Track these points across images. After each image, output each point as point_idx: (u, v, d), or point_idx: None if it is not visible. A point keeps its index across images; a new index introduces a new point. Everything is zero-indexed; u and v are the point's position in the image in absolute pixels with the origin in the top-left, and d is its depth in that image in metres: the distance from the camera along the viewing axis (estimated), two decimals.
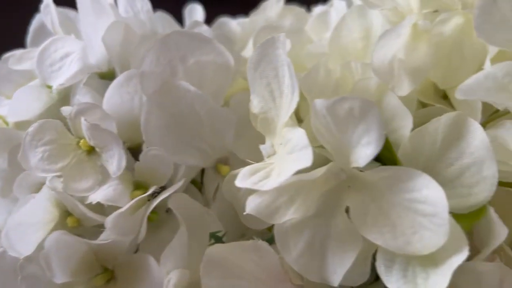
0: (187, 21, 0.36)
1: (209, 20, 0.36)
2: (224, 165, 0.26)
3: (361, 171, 0.21)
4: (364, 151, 0.19)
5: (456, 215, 0.20)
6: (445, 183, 0.21)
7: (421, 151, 0.21)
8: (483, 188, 0.20)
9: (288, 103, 0.21)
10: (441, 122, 0.21)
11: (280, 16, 0.33)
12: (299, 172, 0.20)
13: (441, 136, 0.21)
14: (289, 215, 0.21)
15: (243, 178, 0.20)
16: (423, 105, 0.26)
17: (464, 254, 0.18)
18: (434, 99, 0.25)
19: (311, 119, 0.21)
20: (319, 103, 0.19)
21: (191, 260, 0.22)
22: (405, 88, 0.23)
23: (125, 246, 0.23)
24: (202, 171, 0.26)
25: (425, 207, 0.19)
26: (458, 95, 0.20)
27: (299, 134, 0.20)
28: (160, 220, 0.25)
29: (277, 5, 0.34)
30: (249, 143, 0.25)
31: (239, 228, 0.25)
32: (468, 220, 0.20)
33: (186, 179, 0.24)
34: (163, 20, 0.33)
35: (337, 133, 0.20)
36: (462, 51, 0.25)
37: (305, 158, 0.19)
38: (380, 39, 0.22)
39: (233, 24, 0.35)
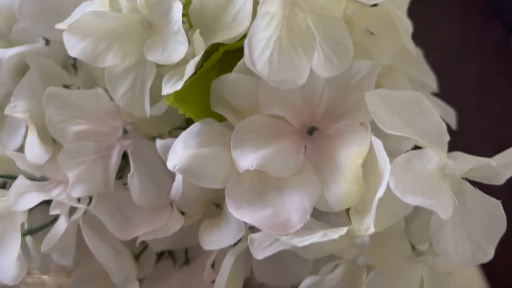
0: None
1: None
2: None
3: None
4: None
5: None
6: (227, 26, 0.26)
7: (207, 7, 0.27)
8: (246, 22, 0.25)
9: None
10: None
11: None
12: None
13: None
14: (110, 60, 0.27)
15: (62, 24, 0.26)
16: None
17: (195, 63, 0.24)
18: None
19: None
20: None
21: None
22: None
23: (0, 94, 0.29)
24: None
25: (176, 26, 0.24)
26: None
27: None
28: None
29: None
30: None
31: None
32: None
33: (51, 48, 0.30)
34: None
35: None
36: None
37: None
38: None
39: None
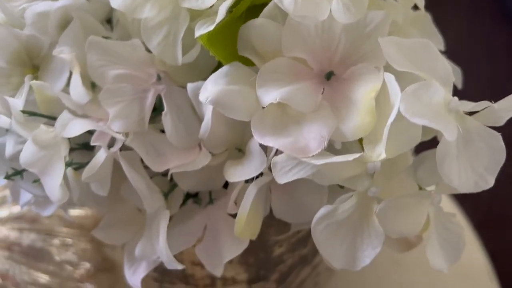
0: None
1: None
2: None
3: None
4: None
5: None
6: None
7: None
8: None
9: None
10: None
11: None
12: None
13: None
14: (147, 12, 0.29)
15: None
16: None
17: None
18: None
19: None
20: None
21: None
22: None
23: (46, 44, 0.32)
24: None
25: None
26: None
27: None
28: None
29: None
30: None
31: None
32: None
33: (90, 5, 0.33)
34: None
35: None
36: None
37: None
38: None
39: None
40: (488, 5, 1.22)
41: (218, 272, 0.30)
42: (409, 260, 0.55)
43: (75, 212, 0.51)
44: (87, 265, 0.50)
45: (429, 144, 0.32)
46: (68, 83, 0.30)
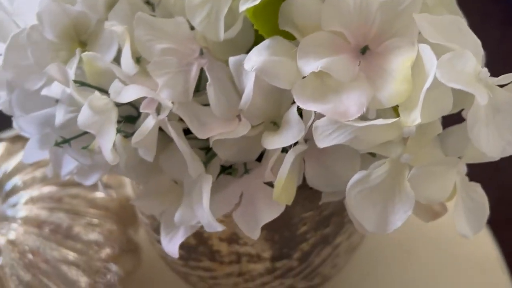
0: None
1: None
2: None
3: None
4: None
5: None
6: None
7: None
8: None
9: None
10: None
11: None
12: None
13: None
14: None
15: None
16: None
17: None
18: None
19: None
20: None
21: None
22: None
23: (94, 21, 0.34)
24: None
25: None
26: None
27: None
28: None
29: None
30: None
31: None
32: None
33: None
34: None
35: None
36: None
37: None
38: None
39: None
40: (498, 10, 1.24)
41: (255, 235, 0.32)
42: (421, 252, 0.57)
43: (101, 194, 0.53)
44: (112, 245, 0.51)
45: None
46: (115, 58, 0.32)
